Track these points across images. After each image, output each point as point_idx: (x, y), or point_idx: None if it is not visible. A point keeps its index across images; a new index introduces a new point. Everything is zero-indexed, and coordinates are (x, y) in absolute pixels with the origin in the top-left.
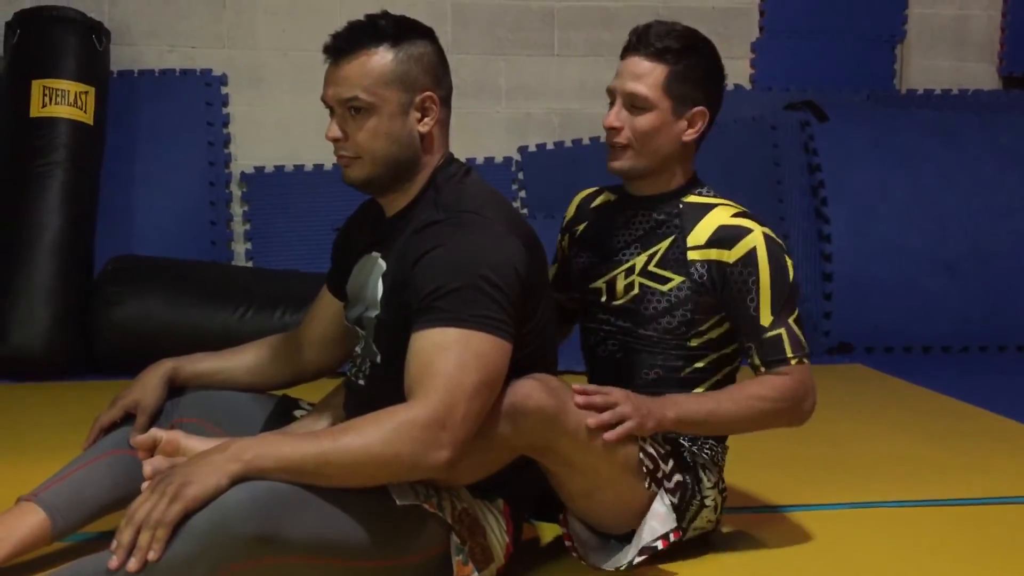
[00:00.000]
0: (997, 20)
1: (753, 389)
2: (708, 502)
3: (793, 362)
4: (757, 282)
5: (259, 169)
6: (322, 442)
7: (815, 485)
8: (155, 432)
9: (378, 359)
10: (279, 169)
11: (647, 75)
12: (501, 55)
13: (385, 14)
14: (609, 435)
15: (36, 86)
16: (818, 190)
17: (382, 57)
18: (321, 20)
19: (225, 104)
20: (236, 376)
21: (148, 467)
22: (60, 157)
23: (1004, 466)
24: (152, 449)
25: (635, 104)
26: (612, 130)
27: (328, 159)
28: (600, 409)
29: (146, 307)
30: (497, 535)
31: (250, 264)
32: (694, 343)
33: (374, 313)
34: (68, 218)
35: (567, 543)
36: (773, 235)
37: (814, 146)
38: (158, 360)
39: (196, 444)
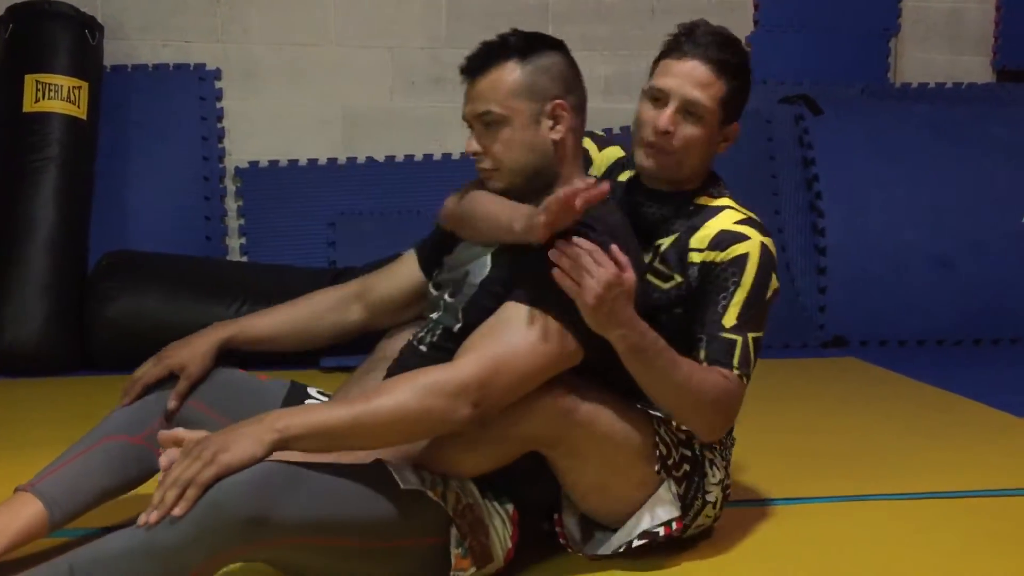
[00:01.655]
0: (991, 13)
1: (704, 372)
2: (710, 498)
3: (735, 372)
4: (738, 284)
5: (253, 164)
6: (355, 406)
7: (809, 478)
8: (179, 432)
9: (456, 327)
10: (274, 164)
11: (710, 86)
12: None
13: (515, 31)
14: (559, 275)
15: (29, 81)
16: (812, 184)
17: (511, 71)
18: (315, 13)
19: (219, 98)
20: (289, 341)
21: (165, 459)
22: (53, 152)
23: (999, 459)
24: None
25: (690, 111)
26: (665, 134)
27: (322, 153)
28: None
29: (140, 302)
30: (500, 537)
31: (245, 259)
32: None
33: (478, 279)
34: (62, 213)
35: (562, 540)
36: (771, 248)
37: (809, 140)
38: (150, 352)
39: None
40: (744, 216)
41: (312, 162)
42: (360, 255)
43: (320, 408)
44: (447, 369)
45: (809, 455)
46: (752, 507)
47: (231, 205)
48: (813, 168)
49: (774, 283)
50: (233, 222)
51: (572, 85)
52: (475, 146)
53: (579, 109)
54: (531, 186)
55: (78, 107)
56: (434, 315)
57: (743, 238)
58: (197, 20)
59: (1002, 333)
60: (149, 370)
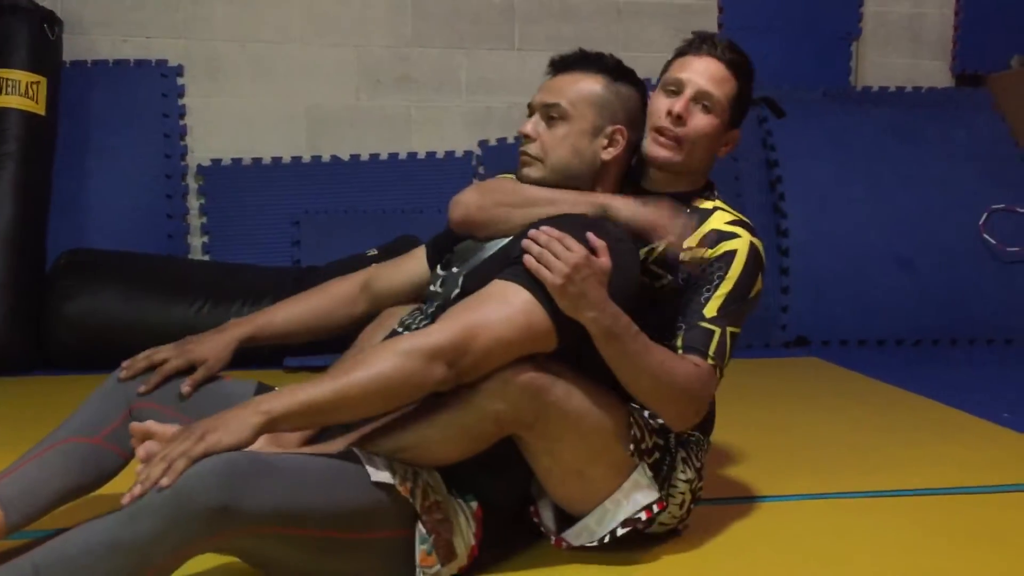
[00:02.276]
0: (950, 18)
1: (677, 360)
2: (675, 495)
3: (709, 362)
4: (723, 278)
5: (216, 162)
6: (337, 379)
7: (770, 477)
8: (151, 424)
9: (455, 293)
10: (236, 162)
11: (724, 83)
12: (461, 48)
13: (611, 56)
14: (527, 260)
15: None
16: (775, 185)
17: (594, 81)
18: (279, 10)
19: (181, 95)
20: (302, 336)
21: (142, 451)
22: (11, 149)
23: (956, 457)
24: (145, 439)
25: (704, 103)
26: (678, 118)
27: (286, 151)
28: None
29: (100, 301)
30: (464, 535)
31: (207, 258)
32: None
33: (488, 254)
34: (19, 210)
35: (542, 529)
36: (760, 249)
37: (772, 142)
38: (110, 351)
39: None
40: (735, 217)
41: (276, 160)
42: (324, 254)
43: (303, 386)
44: (422, 334)
45: (771, 454)
46: (717, 505)
47: (193, 203)
48: (776, 170)
49: (758, 284)
50: (195, 220)
51: (637, 124)
52: (530, 129)
53: (632, 147)
54: (561, 188)
55: (36, 102)
56: (432, 287)
57: (733, 236)
58: (159, 16)
59: (960, 334)
60: (172, 361)
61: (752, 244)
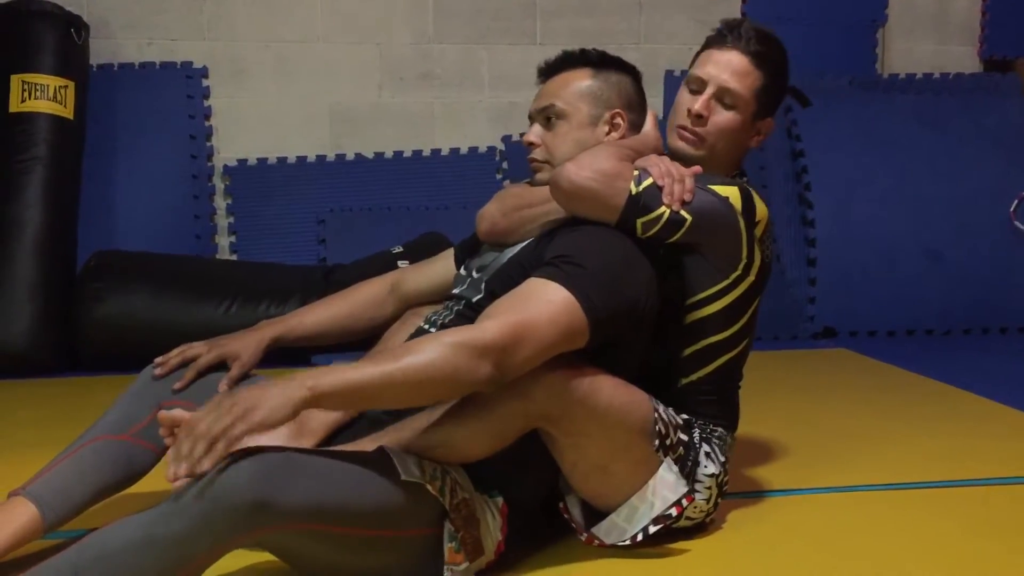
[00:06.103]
0: (977, 3)
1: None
2: (700, 490)
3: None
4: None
5: (242, 162)
6: (384, 364)
7: (799, 469)
8: (179, 412)
9: (476, 298)
10: (262, 161)
11: (746, 76)
12: (483, 44)
13: (594, 49)
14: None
15: (15, 81)
16: (801, 175)
17: (582, 76)
18: (302, 10)
19: (206, 97)
20: (330, 338)
21: (171, 470)
22: (40, 152)
23: (988, 448)
24: (173, 429)
25: (724, 100)
26: (698, 117)
27: (311, 150)
28: None
29: (129, 302)
30: (491, 531)
31: (234, 257)
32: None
33: (509, 255)
34: (49, 214)
35: (573, 525)
36: (752, 193)
37: (797, 131)
38: (140, 352)
39: None
40: (732, 182)
41: (301, 159)
42: (350, 252)
43: (349, 367)
44: (472, 330)
45: (801, 446)
46: (745, 499)
47: (220, 203)
48: (802, 160)
49: (760, 204)
50: (222, 220)
51: (634, 105)
52: (532, 136)
53: (635, 128)
54: None
55: (64, 107)
56: (456, 290)
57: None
58: (183, 18)
59: (990, 323)
60: (204, 356)
61: (741, 187)
